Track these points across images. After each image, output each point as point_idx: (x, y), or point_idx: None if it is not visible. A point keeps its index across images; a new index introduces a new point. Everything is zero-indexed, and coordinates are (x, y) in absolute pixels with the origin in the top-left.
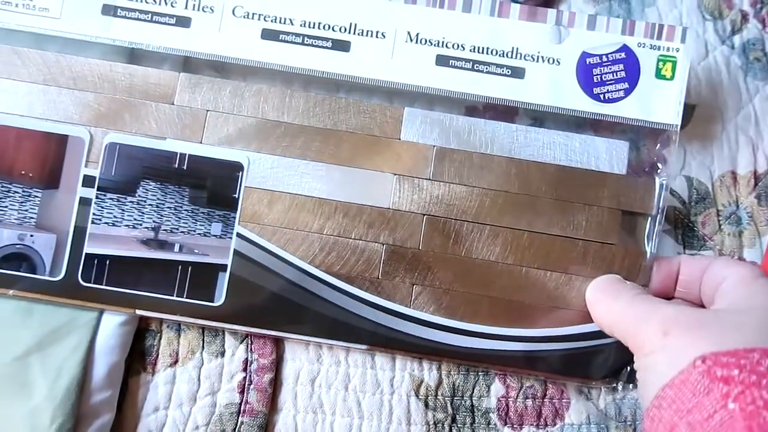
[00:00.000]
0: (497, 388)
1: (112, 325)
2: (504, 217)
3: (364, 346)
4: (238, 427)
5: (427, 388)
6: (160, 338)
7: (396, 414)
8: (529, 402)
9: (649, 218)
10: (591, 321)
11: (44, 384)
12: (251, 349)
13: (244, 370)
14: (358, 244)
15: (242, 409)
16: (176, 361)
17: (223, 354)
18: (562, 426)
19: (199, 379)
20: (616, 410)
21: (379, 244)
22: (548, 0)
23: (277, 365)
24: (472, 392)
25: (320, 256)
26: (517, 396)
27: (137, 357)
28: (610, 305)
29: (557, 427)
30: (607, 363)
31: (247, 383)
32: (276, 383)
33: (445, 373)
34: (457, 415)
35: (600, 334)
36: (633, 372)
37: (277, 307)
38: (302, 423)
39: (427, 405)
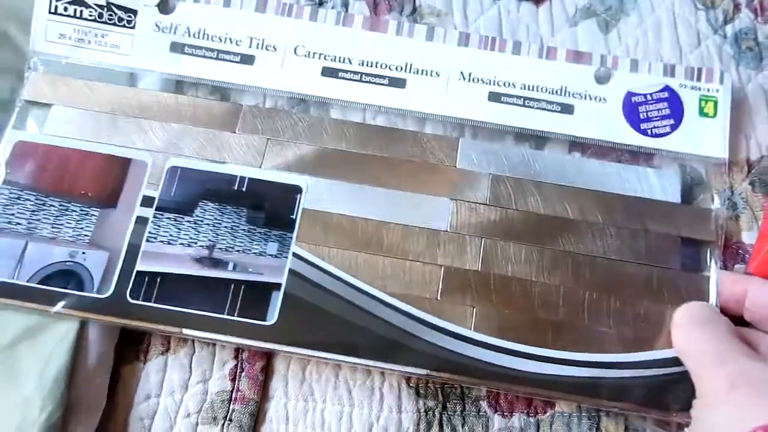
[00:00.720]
0: None
1: None
2: (562, 242)
3: (424, 372)
4: (229, 414)
5: (417, 377)
6: None
7: (387, 402)
8: None
9: (710, 244)
10: (661, 347)
11: (34, 372)
12: None
13: (236, 357)
14: (415, 266)
15: (234, 396)
16: (168, 349)
17: (215, 342)
18: (553, 414)
19: (190, 367)
20: None
21: (436, 266)
22: None
23: (269, 353)
24: None
25: (378, 277)
26: None
27: (129, 345)
28: (692, 334)
29: (548, 415)
30: (685, 392)
31: (238, 371)
32: (267, 371)
33: None
34: (448, 403)
35: (667, 362)
36: None
37: (332, 327)
38: (293, 411)
39: (418, 393)
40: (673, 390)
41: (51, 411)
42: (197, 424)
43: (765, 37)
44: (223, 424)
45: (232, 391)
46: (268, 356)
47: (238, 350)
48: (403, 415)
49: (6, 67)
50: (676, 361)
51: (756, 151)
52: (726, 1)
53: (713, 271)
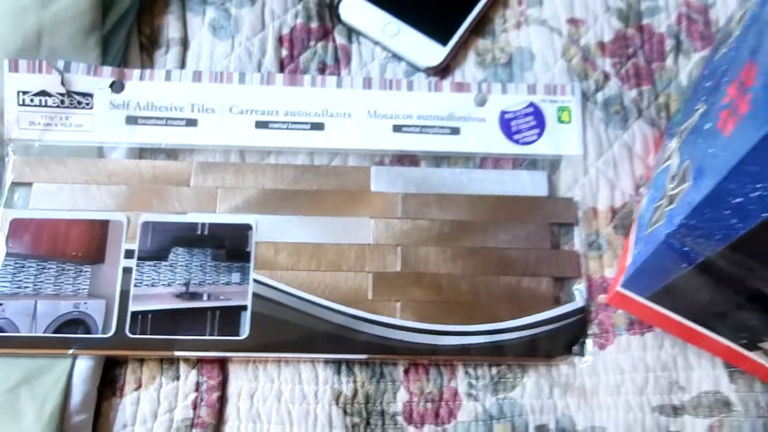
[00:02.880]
0: (402, 394)
1: (86, 359)
2: (460, 240)
3: (364, 356)
4: None
5: (345, 398)
6: (127, 368)
7: (320, 420)
8: (429, 405)
9: (574, 227)
10: (541, 310)
11: (32, 410)
12: (201, 373)
13: (196, 390)
14: (349, 275)
15: (195, 422)
16: (140, 386)
17: (178, 378)
18: (456, 423)
19: (159, 400)
20: (498, 409)
21: (365, 273)
22: (446, 68)
23: (223, 385)
24: (382, 399)
25: (321, 288)
26: (419, 401)
27: (108, 384)
28: None
29: (452, 425)
30: (561, 342)
31: (198, 401)
32: (222, 399)
33: (359, 385)
34: (371, 419)
35: (552, 320)
36: (583, 344)
37: (292, 333)
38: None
39: (345, 412)
40: (552, 341)
41: None
42: None
43: (630, 101)
44: None
45: (193, 418)
46: (223, 387)
47: (198, 384)
48: (333, 430)
49: None
50: (550, 320)
51: (619, 199)
52: (597, 73)
53: (578, 245)
